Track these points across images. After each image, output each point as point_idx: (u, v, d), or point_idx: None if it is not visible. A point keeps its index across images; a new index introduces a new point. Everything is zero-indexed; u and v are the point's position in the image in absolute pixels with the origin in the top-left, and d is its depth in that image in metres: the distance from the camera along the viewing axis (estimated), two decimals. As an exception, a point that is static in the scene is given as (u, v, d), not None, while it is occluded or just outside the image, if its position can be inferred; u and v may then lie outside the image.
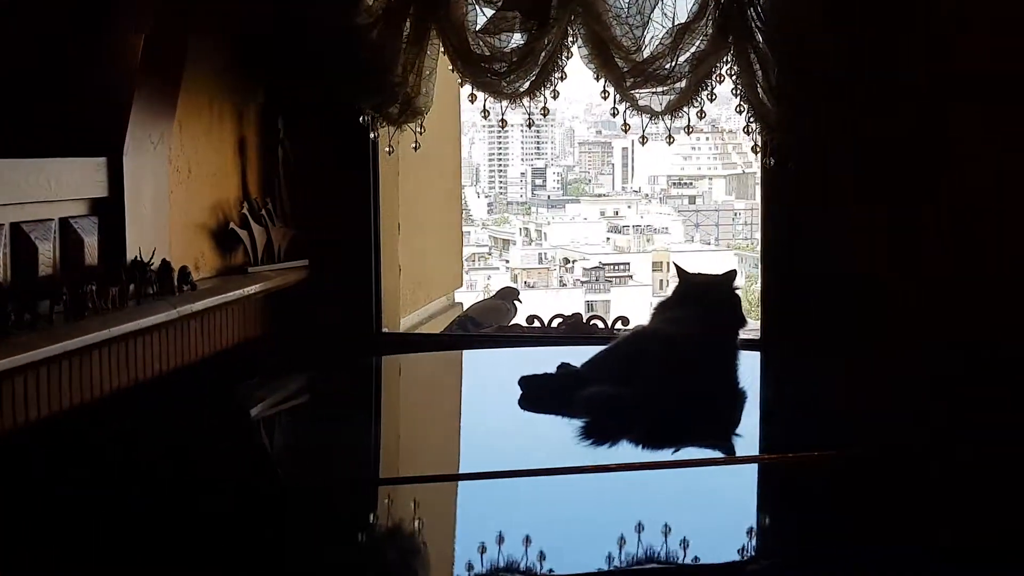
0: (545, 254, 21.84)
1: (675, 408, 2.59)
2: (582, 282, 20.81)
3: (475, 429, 2.71)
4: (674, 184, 24.99)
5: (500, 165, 25.29)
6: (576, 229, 22.81)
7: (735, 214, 24.02)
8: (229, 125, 3.46)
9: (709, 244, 23.42)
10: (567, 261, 21.46)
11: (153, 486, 2.12)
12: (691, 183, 24.72)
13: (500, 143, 25.01)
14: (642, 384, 2.58)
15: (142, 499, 2.06)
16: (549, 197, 24.63)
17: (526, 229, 22.85)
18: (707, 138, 23.71)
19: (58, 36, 2.83)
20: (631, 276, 21.53)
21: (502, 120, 3.36)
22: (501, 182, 25.34)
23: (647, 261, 21.87)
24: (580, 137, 25.69)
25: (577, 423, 2.50)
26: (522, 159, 25.34)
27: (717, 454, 2.53)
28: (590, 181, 25.35)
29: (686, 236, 23.39)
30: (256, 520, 2.02)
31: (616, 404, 2.55)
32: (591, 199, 24.21)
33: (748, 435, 2.67)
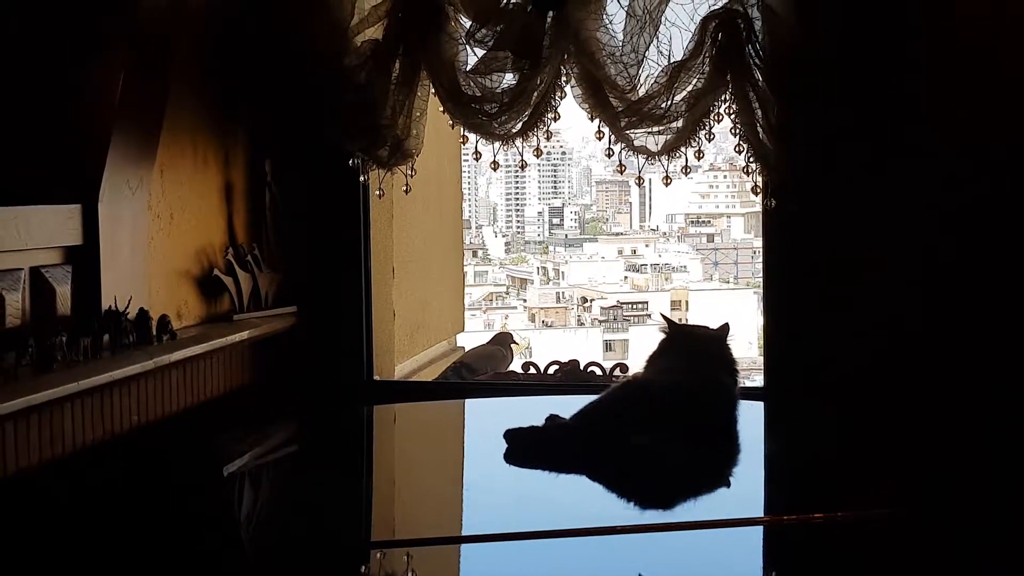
0: (563, 293, 21.76)
1: (669, 461, 2.47)
2: (600, 321, 20.69)
3: (459, 486, 2.59)
4: (692, 222, 24.90)
5: (518, 204, 25.28)
6: (594, 268, 22.73)
7: (754, 252, 23.88)
8: (214, 169, 3.38)
9: (728, 283, 23.30)
10: (585, 300, 21.36)
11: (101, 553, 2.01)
12: (709, 221, 24.63)
13: (517, 183, 25.01)
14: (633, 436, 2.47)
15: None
16: (567, 236, 24.57)
17: (543, 268, 22.77)
18: (725, 176, 23.63)
19: (28, 76, 2.75)
20: (650, 315, 21.39)
21: (494, 162, 3.27)
22: (518, 221, 25.32)
23: (665, 300, 21.74)
24: (597, 176, 25.65)
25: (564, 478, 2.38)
26: (539, 198, 25.33)
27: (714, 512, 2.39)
28: (607, 220, 25.30)
29: (705, 274, 23.27)
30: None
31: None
32: (608, 238, 24.13)
33: (751, 493, 2.53)
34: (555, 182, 25.70)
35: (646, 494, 2.40)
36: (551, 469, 2.57)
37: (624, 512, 2.39)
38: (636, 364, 3.69)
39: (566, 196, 25.78)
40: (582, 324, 20.99)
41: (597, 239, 24.39)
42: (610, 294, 21.64)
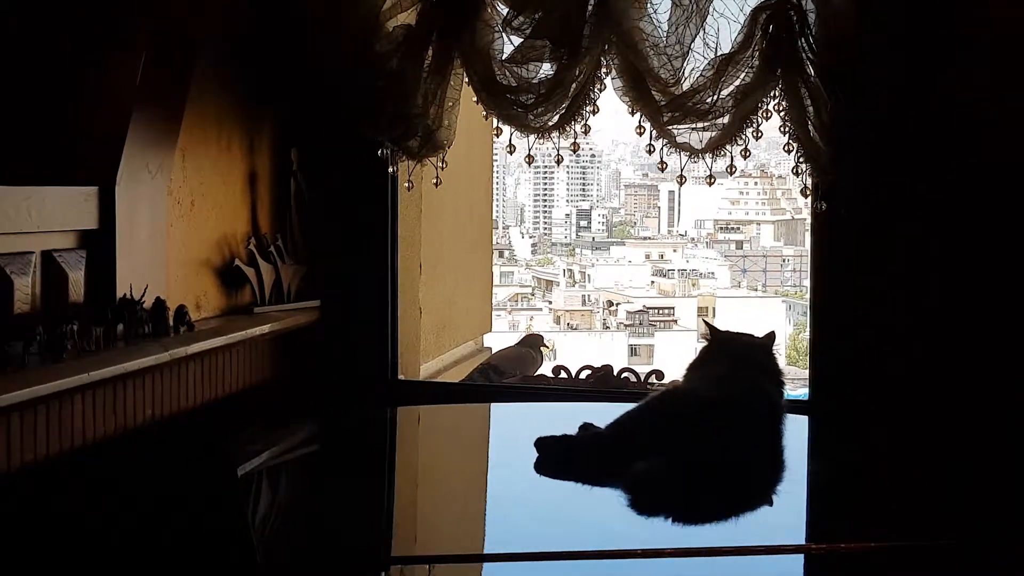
0: (588, 296, 21.70)
1: (712, 480, 2.32)
2: (625, 325, 20.60)
3: (485, 497, 2.44)
4: (721, 229, 24.82)
5: (545, 206, 25.27)
6: (620, 271, 22.66)
7: (784, 260, 23.77)
8: (238, 155, 3.26)
9: (756, 290, 23.15)
10: (611, 304, 21.27)
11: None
12: (739, 228, 24.51)
13: (546, 184, 25.02)
14: (676, 453, 2.32)
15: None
16: (594, 239, 24.54)
17: (570, 270, 22.73)
18: (755, 182, 23.51)
19: (46, 54, 2.63)
20: (676, 321, 21.29)
21: (528, 156, 3.12)
22: (546, 223, 25.31)
23: (692, 306, 21.63)
24: (626, 179, 25.61)
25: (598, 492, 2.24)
26: (567, 200, 25.32)
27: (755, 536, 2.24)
28: (635, 223, 25.24)
29: (733, 281, 23.16)
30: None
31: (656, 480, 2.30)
32: (636, 242, 24.07)
33: (794, 516, 2.37)
34: (583, 184, 25.64)
35: (684, 512, 2.25)
36: (584, 482, 2.42)
37: (660, 532, 2.23)
38: (665, 370, 3.57)
39: (594, 199, 25.71)
40: (607, 328, 20.90)
41: (624, 242, 24.30)
42: (636, 298, 21.54)
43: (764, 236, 24.25)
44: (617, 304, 21.18)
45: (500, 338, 5.09)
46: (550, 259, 23.56)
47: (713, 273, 23.12)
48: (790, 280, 23.47)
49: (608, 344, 19.10)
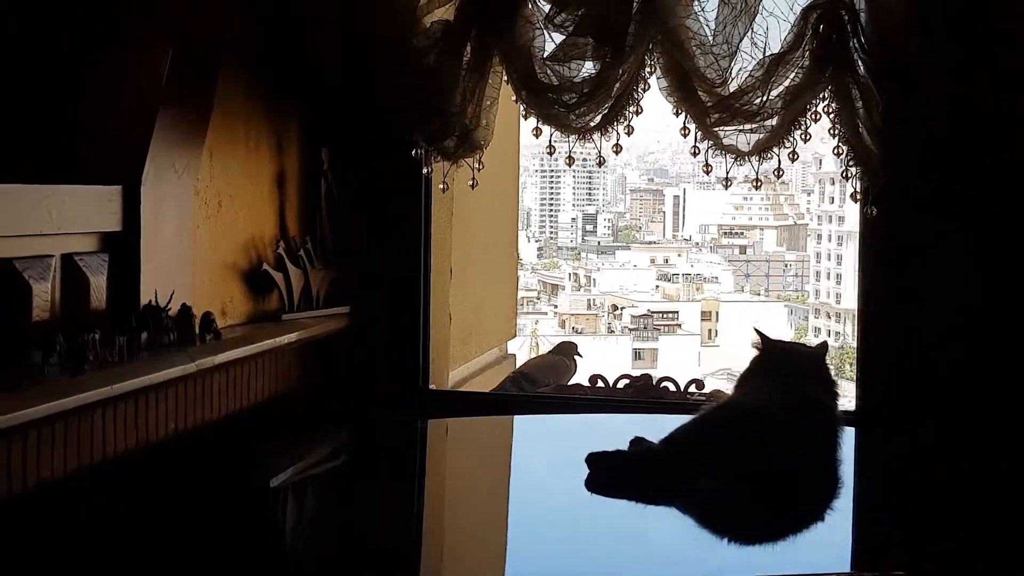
0: (594, 300, 21.68)
1: (773, 498, 2.20)
2: (630, 329, 20.58)
3: (529, 519, 2.30)
4: (725, 234, 24.84)
5: (551, 210, 25.25)
6: (625, 276, 22.66)
7: (786, 265, 23.79)
8: (267, 155, 3.13)
9: (759, 295, 23.16)
10: (616, 308, 21.23)
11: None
12: (742, 233, 24.53)
13: (552, 188, 25.00)
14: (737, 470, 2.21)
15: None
16: (599, 243, 24.52)
17: (575, 274, 22.71)
18: (759, 188, 23.47)
19: (70, 47, 2.51)
20: (680, 324, 21.27)
21: (569, 158, 3.00)
22: (552, 227, 25.29)
23: (696, 310, 21.62)
24: (632, 184, 25.59)
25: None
26: (573, 204, 25.31)
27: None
28: (640, 228, 25.23)
29: (736, 286, 23.17)
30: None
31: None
32: (641, 246, 24.07)
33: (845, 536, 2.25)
34: (589, 189, 25.63)
35: (750, 533, 2.13)
36: (638, 499, 2.30)
37: (715, 552, 2.11)
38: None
39: (600, 203, 25.69)
40: (612, 331, 20.86)
41: (630, 247, 24.30)
42: (641, 302, 21.51)
43: (767, 241, 24.28)
44: (622, 308, 21.15)
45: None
46: (556, 263, 23.55)
47: (717, 277, 23.15)
48: (792, 285, 23.52)
49: (613, 348, 19.05)
